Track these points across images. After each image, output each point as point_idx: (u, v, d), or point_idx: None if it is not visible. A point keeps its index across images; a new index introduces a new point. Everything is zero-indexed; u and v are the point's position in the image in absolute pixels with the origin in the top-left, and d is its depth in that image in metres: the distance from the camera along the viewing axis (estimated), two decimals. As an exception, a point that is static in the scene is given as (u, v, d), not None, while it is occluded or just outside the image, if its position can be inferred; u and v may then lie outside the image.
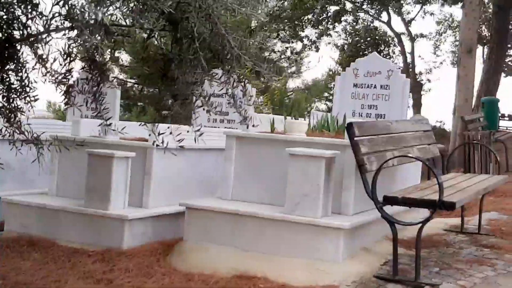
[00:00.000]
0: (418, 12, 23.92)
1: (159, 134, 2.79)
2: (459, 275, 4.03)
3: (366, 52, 28.23)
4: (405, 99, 6.49)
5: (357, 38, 27.41)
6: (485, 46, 24.09)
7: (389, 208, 4.05)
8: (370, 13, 23.83)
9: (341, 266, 4.03)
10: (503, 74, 34.73)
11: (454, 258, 4.50)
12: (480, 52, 24.70)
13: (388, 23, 23.50)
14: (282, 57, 27.77)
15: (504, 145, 12.05)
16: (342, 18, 23.79)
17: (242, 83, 2.85)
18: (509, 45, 33.47)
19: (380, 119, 6.44)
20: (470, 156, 10.22)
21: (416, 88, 21.98)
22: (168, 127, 3.08)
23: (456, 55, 15.64)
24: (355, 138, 4.05)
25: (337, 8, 23.10)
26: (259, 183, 4.70)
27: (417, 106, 21.90)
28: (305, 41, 24.59)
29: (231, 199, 4.76)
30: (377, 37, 27.36)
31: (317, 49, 23.66)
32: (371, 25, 24.64)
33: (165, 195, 4.96)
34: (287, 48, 27.22)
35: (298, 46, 24.89)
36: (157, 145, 3.13)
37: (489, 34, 22.94)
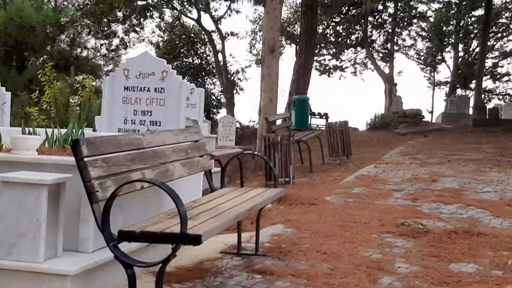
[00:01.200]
0: (227, 10, 24.09)
1: None
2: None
3: (183, 50, 27.90)
4: (182, 103, 5.91)
5: (172, 36, 26.87)
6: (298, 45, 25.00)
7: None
8: (177, 9, 23.36)
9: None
10: (317, 73, 37.16)
11: (218, 292, 4.00)
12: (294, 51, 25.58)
13: (198, 21, 23.25)
14: (98, 54, 26.14)
15: (307, 146, 12.30)
16: (149, 14, 22.98)
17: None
18: (322, 44, 35.99)
19: (134, 134, 5.77)
20: (271, 159, 10.18)
21: (229, 88, 22.06)
22: None
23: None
24: (84, 159, 3.29)
25: (144, 3, 22.26)
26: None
27: (230, 106, 22.00)
28: (115, 38, 23.40)
29: None
30: (192, 35, 27.12)
31: (125, 47, 22.57)
32: (177, 22, 24.22)
33: None
34: (101, 45, 25.71)
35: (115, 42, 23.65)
36: None
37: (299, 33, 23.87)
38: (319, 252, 4.86)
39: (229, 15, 23.53)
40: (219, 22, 23.74)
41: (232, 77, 25.07)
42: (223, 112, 23.05)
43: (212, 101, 25.46)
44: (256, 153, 8.25)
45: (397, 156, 12.26)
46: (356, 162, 12.30)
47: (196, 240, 3.18)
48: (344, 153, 13.16)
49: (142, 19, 22.59)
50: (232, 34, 24.53)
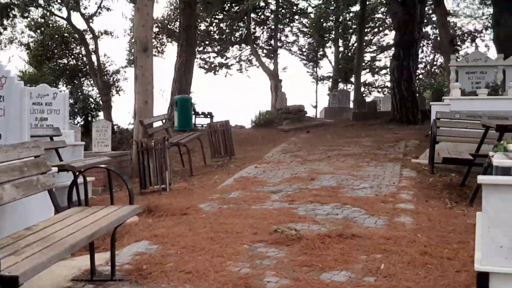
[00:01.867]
0: (98, 8, 22.99)
1: None
2: None
3: (56, 50, 26.28)
4: (25, 112, 5.23)
5: (44, 36, 25.24)
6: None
7: None
8: (43, 7, 21.91)
9: None
10: (203, 70, 36.82)
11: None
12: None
13: (68, 19, 21.96)
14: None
15: (186, 148, 11.86)
16: (12, 14, 21.33)
17: None
18: (206, 42, 35.66)
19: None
20: (145, 165, 9.62)
21: (105, 90, 21.05)
22: None
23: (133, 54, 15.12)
24: None
25: (6, 1, 20.60)
26: None
27: (107, 109, 20.99)
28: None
29: None
30: (66, 34, 25.63)
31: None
32: (45, 21, 22.77)
33: None
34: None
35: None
36: None
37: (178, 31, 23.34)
38: (183, 272, 4.44)
39: (100, 13, 22.45)
40: (90, 21, 22.57)
41: (110, 78, 24.00)
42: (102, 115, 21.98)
43: (91, 104, 24.20)
44: (112, 168, 7.58)
45: (278, 155, 12.16)
46: (238, 162, 12.05)
47: (11, 282, 2.63)
48: (227, 153, 12.90)
49: (5, 19, 20.89)
50: (106, 33, 23.44)
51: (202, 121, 22.33)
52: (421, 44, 28.44)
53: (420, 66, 34.31)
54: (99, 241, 5.51)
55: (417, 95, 21.15)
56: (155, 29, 29.00)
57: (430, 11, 28.61)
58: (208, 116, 22.58)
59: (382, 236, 5.25)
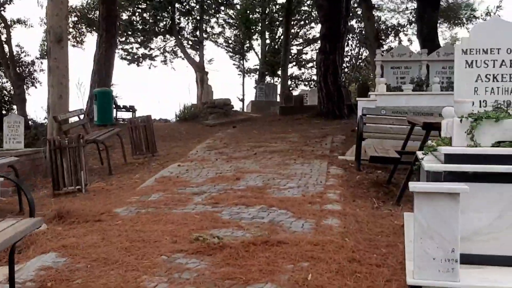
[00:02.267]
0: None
1: None
2: None
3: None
4: None
5: None
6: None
7: None
8: None
9: None
10: (126, 62, 35.70)
11: None
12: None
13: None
14: None
15: (104, 146, 11.27)
16: None
17: None
18: (129, 32, 34.57)
19: None
20: (58, 165, 8.98)
21: (18, 82, 19.84)
22: None
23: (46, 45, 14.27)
24: None
25: None
26: None
27: (20, 103, 19.80)
28: None
29: None
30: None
31: None
32: None
33: None
34: None
35: None
36: None
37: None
38: (91, 291, 4.02)
39: (11, 0, 21.10)
40: (2, 9, 21.21)
41: (26, 69, 22.68)
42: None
43: (4, 97, 22.81)
44: (9, 177, 6.97)
45: (203, 152, 11.79)
46: (161, 160, 11.59)
47: None
48: (149, 150, 12.40)
49: None
50: (20, 21, 22.08)
51: (124, 115, 21.59)
52: (347, 38, 28.80)
53: (346, 59, 34.86)
54: (2, 252, 4.98)
55: (343, 89, 21.36)
56: (74, 18, 27.77)
57: (356, 5, 29.02)
58: (131, 110, 21.84)
59: (310, 242, 5.03)
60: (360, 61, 35.69)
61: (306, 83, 40.34)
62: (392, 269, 4.40)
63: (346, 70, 36.01)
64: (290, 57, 37.04)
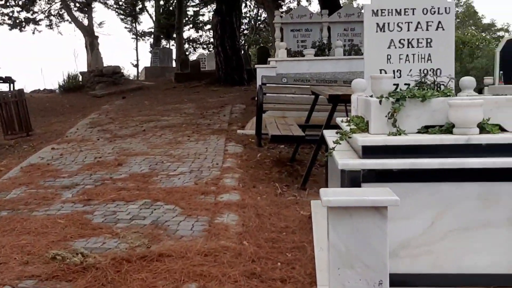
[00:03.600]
0: None
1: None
2: None
3: None
4: None
5: None
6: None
7: None
8: None
9: None
10: (7, 27, 32.58)
11: None
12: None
13: None
14: None
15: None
16: None
17: None
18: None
19: None
20: None
21: None
22: None
23: None
24: None
25: None
26: None
27: None
28: None
29: None
30: None
31: None
32: None
33: None
34: None
35: None
36: None
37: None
38: None
39: None
40: None
41: None
42: None
43: None
44: None
45: (84, 129, 10.49)
46: (36, 140, 10.19)
47: None
48: (23, 129, 10.93)
49: None
50: None
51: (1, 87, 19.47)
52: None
53: (244, 21, 33.90)
54: None
55: (242, 52, 20.48)
56: None
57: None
58: (8, 81, 19.71)
59: (199, 252, 4.12)
60: (259, 22, 34.87)
61: (205, 46, 39.01)
62: (300, 285, 3.60)
63: (246, 32, 35.08)
64: (186, 19, 35.52)
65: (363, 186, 2.90)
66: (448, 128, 3.11)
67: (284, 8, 27.58)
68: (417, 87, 3.51)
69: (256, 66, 10.31)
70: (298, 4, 28.86)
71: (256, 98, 9.37)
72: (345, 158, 3.00)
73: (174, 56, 27.62)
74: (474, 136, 2.95)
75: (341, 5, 18.20)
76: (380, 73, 4.71)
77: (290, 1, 30.67)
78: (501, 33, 37.97)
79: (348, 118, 4.34)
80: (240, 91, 16.00)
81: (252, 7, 33.60)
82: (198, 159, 7.43)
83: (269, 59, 10.37)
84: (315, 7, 25.64)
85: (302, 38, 12.54)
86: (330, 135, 4.33)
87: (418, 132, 3.15)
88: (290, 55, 11.31)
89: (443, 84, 3.77)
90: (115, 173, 6.78)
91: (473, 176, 2.87)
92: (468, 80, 4.56)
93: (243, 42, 26.54)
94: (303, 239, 4.56)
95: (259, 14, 34.27)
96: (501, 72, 8.01)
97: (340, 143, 3.34)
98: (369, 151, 2.99)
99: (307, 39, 12.52)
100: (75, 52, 31.70)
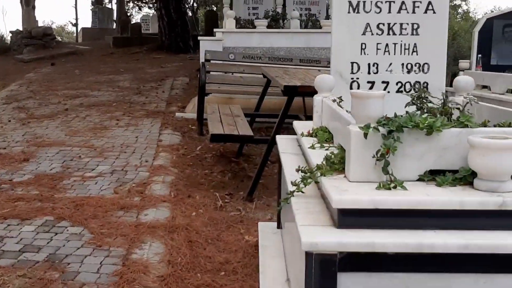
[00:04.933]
0: None
1: None
2: None
3: None
4: None
5: None
6: None
7: None
8: None
9: None
10: None
11: None
12: None
13: None
14: None
15: None
16: None
17: None
18: None
19: None
20: None
21: None
22: None
23: None
24: None
25: None
26: None
27: None
28: None
29: None
30: None
31: None
32: None
33: None
34: None
35: None
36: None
37: None
38: None
39: None
40: None
41: None
42: None
43: None
44: None
45: (0, 105, 9.08)
46: None
47: None
48: None
49: None
50: None
51: None
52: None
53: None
54: None
55: (190, 15, 19.07)
56: None
57: None
58: None
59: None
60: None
61: (151, 5, 36.91)
62: None
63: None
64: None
65: (340, 277, 1.85)
66: (466, 177, 2.08)
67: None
68: (416, 108, 2.44)
69: (199, 38, 9.06)
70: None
71: (199, 75, 8.18)
72: (310, 231, 1.92)
73: (115, 17, 25.76)
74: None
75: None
76: (352, 67, 3.66)
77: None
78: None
79: (311, 131, 3.26)
80: (184, 60, 14.72)
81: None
82: (125, 153, 6.25)
83: (215, 29, 9.14)
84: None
85: (254, 5, 11.31)
86: (285, 150, 3.28)
87: (420, 180, 2.10)
88: (239, 24, 10.10)
89: (454, 105, 2.60)
90: (17, 174, 5.52)
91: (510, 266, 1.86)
92: (465, 81, 3.53)
93: (190, 3, 24.95)
94: (246, 286, 3.51)
95: (209, -27, 32.50)
96: (480, 55, 7.09)
97: (302, 191, 2.26)
98: (349, 218, 1.92)
99: (260, 6, 11.30)
100: (3, 9, 29.22)
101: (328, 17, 10.61)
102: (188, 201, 4.97)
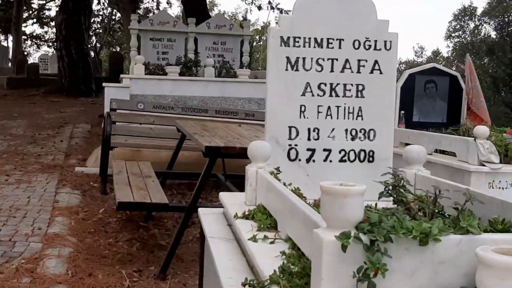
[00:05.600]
0: None
1: None
2: None
3: None
4: None
5: None
6: None
7: None
8: None
9: None
10: None
11: None
12: None
13: None
14: None
15: None
16: None
17: None
18: None
19: None
20: None
21: None
22: None
23: None
24: None
25: None
26: None
27: None
28: None
29: None
30: None
31: None
32: None
33: None
34: None
35: None
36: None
37: None
38: None
39: None
40: None
41: None
42: None
43: None
44: None
45: None
46: None
47: None
48: None
49: None
50: None
51: None
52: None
53: (97, 19, 31.12)
54: None
55: (93, 56, 18.21)
56: None
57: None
58: None
59: None
60: (113, 22, 32.23)
61: (51, 44, 35.42)
62: None
63: (99, 31, 32.24)
64: (30, 12, 31.96)
65: None
66: (470, 302, 1.59)
67: (142, 10, 25.42)
68: (392, 202, 1.94)
69: (104, 84, 8.35)
70: (158, 7, 26.66)
71: (103, 125, 7.44)
72: None
73: (10, 56, 24.26)
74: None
75: (210, 14, 16.63)
76: (290, 132, 3.20)
77: (148, 2, 28.48)
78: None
79: (246, 211, 2.70)
80: (85, 104, 13.81)
81: (106, 4, 31.00)
82: (14, 218, 5.37)
83: (121, 75, 8.46)
84: (175, 10, 23.77)
85: (164, 50, 10.74)
86: (213, 233, 2.72)
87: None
88: (148, 70, 9.47)
89: (405, 182, 2.17)
90: None
91: None
92: (417, 152, 3.10)
93: (93, 43, 23.98)
94: None
95: (114, 13, 31.73)
96: (402, 112, 6.90)
97: None
98: None
99: (170, 50, 10.75)
100: None
101: (242, 65, 10.24)
102: (89, 282, 4.20)
